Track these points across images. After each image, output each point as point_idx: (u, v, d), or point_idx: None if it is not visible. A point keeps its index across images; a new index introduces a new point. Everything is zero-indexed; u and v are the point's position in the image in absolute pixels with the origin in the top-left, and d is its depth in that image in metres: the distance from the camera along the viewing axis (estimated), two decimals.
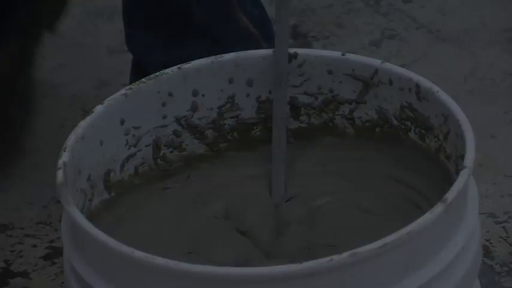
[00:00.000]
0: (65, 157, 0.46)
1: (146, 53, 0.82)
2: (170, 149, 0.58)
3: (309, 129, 0.60)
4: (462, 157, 0.44)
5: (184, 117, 0.57)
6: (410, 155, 0.55)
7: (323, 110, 0.59)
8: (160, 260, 0.37)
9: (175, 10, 0.79)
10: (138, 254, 0.38)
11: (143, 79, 0.55)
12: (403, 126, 0.55)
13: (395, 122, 0.55)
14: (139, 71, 0.78)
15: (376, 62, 0.55)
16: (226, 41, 0.76)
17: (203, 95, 0.57)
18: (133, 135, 0.55)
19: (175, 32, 0.80)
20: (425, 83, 0.51)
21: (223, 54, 0.57)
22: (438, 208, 0.39)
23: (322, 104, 0.58)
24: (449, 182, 0.45)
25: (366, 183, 0.57)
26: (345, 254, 0.36)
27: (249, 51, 0.59)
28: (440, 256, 0.41)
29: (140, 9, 0.82)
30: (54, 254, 0.74)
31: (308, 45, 1.02)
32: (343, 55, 0.56)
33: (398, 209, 0.54)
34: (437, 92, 0.50)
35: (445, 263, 0.41)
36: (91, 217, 0.48)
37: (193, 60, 0.57)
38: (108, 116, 0.52)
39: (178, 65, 0.56)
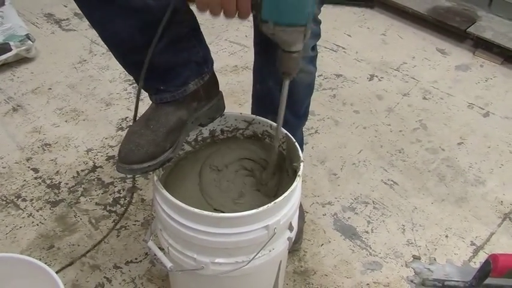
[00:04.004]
0: None
1: None
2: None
3: (231, 137, 1.49)
4: (291, 152, 1.40)
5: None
6: (266, 147, 1.46)
7: (233, 131, 1.49)
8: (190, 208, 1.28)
9: None
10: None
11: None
12: (263, 137, 1.47)
13: (259, 135, 1.47)
14: None
15: (253, 116, 1.46)
16: None
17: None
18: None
19: None
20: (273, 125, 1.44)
21: None
22: (297, 179, 1.33)
23: (233, 130, 1.49)
24: (282, 156, 1.40)
25: (251, 155, 1.46)
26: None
27: None
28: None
29: None
30: None
31: None
32: (241, 113, 1.46)
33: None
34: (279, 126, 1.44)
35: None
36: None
37: None
38: None
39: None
